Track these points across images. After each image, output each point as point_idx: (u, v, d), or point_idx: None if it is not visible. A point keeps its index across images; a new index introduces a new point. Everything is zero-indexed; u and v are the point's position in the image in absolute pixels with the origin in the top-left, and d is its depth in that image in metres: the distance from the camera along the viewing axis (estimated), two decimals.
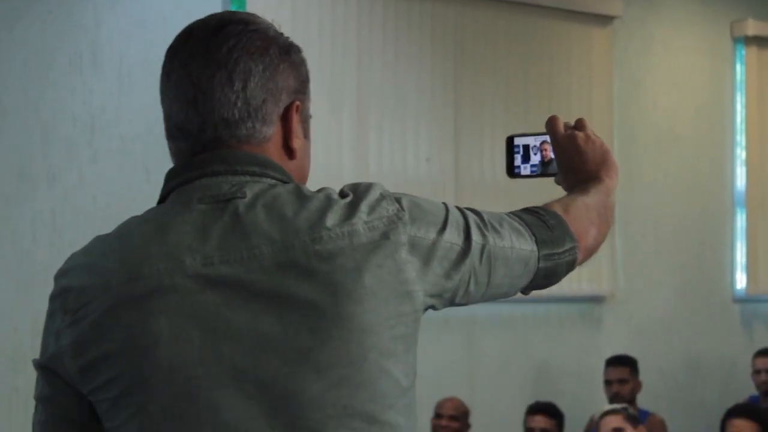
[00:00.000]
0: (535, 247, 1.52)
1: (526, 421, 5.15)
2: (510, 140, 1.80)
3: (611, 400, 5.44)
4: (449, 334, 5.58)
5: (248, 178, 1.41)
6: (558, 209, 1.59)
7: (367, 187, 1.42)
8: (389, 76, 5.46)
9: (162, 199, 1.44)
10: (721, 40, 6.68)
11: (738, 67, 6.71)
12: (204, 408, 1.33)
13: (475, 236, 1.45)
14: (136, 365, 1.34)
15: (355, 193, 1.41)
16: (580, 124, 1.76)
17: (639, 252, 6.34)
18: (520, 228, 1.52)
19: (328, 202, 1.38)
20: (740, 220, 6.67)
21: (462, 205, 1.51)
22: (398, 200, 1.42)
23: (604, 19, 6.18)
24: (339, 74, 5.29)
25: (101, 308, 1.36)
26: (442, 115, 5.62)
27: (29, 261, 4.68)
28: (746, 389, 6.19)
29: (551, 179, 1.79)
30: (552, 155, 1.76)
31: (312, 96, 1.51)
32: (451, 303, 1.46)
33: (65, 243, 4.65)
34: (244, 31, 1.44)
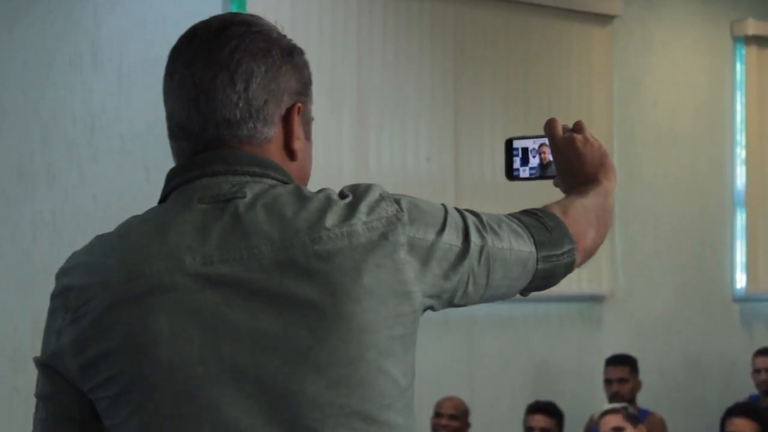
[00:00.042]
0: (533, 249, 1.53)
1: (525, 420, 5.15)
2: (509, 143, 1.81)
3: (611, 400, 5.44)
4: (449, 334, 5.59)
5: (248, 178, 1.41)
6: (557, 211, 1.60)
7: (367, 188, 1.43)
8: (389, 76, 5.47)
9: (163, 199, 1.45)
10: (721, 39, 6.68)
11: (738, 67, 6.71)
12: (203, 406, 1.34)
13: (474, 237, 1.46)
14: (135, 363, 1.35)
15: (355, 194, 1.42)
16: (578, 127, 1.76)
17: (639, 251, 6.34)
18: (519, 230, 1.52)
19: (327, 203, 1.39)
20: (740, 220, 6.68)
21: (462, 205, 1.51)
22: (397, 201, 1.43)
23: (604, 19, 6.18)
24: (339, 74, 5.29)
25: (101, 306, 1.37)
26: (442, 114, 5.62)
27: (29, 261, 4.68)
28: (746, 388, 6.19)
29: (550, 181, 1.80)
30: (550, 158, 1.77)
31: (313, 97, 1.52)
32: (450, 304, 1.47)
33: (65, 243, 4.65)
34: (247, 32, 1.45)
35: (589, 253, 1.63)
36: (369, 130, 5.39)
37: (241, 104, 1.43)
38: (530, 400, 5.32)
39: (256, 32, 1.46)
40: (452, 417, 5.23)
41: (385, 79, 5.45)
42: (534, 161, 1.79)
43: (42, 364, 1.43)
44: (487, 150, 5.69)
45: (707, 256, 6.59)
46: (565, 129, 1.76)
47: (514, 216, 1.56)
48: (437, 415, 5.25)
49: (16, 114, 4.70)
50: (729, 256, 6.66)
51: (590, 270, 5.91)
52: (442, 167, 5.60)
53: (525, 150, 1.80)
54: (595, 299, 6.18)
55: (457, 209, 1.49)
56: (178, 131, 1.46)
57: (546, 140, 1.76)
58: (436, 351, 5.43)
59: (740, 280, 6.67)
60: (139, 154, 4.85)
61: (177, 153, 1.47)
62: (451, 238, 1.44)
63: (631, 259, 6.30)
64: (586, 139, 1.74)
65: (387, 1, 5.48)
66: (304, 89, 1.49)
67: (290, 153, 1.47)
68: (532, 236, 1.53)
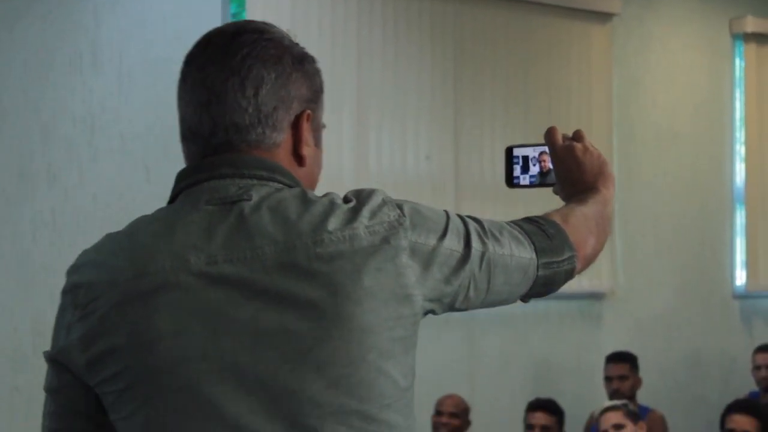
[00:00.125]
0: (534, 256, 1.55)
1: (526, 418, 5.16)
2: (509, 151, 1.84)
3: (611, 397, 5.45)
4: (449, 332, 5.59)
5: (255, 181, 1.44)
6: (557, 219, 1.62)
7: (370, 193, 1.45)
8: (389, 76, 5.47)
9: (172, 199, 1.48)
10: (720, 37, 6.68)
11: (737, 64, 6.72)
12: (206, 402, 1.36)
13: (475, 243, 1.48)
14: (140, 359, 1.38)
15: (358, 198, 1.44)
16: (578, 136, 1.78)
17: (639, 249, 6.35)
18: (520, 236, 1.54)
19: (331, 207, 1.41)
20: (740, 217, 6.68)
21: (462, 205, 1.53)
22: (400, 206, 1.45)
23: (603, 17, 6.18)
24: (339, 74, 5.29)
25: (109, 304, 1.40)
26: (442, 114, 5.63)
27: (29, 261, 4.69)
28: (746, 385, 6.20)
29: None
30: (550, 166, 1.79)
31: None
32: (451, 308, 1.49)
33: (65, 243, 4.66)
34: (259, 39, 1.48)
35: (589, 261, 1.67)
36: (369, 130, 5.39)
37: (250, 110, 1.46)
38: (531, 398, 5.32)
39: (268, 39, 1.49)
40: (453, 415, 5.24)
41: (385, 79, 5.45)
42: (534, 169, 1.82)
43: (51, 358, 1.46)
44: (487, 149, 5.69)
45: (707, 254, 6.60)
46: (564, 138, 1.78)
47: (515, 223, 1.58)
48: (438, 413, 5.25)
49: (16, 114, 4.71)
50: (729, 253, 6.67)
51: (590, 268, 5.85)
52: (442, 167, 5.60)
53: (525, 158, 1.82)
54: (595, 297, 6.18)
55: (459, 215, 1.50)
56: (189, 134, 1.49)
57: (546, 148, 1.79)
58: (436, 349, 5.43)
59: (740, 277, 6.67)
60: (139, 154, 4.85)
61: (187, 155, 1.50)
62: (453, 244, 1.45)
63: (631, 256, 6.31)
64: (585, 148, 1.76)
65: (387, 1, 5.48)
66: (314, 97, 1.54)
67: (299, 159, 1.52)
68: (533, 243, 1.55)
